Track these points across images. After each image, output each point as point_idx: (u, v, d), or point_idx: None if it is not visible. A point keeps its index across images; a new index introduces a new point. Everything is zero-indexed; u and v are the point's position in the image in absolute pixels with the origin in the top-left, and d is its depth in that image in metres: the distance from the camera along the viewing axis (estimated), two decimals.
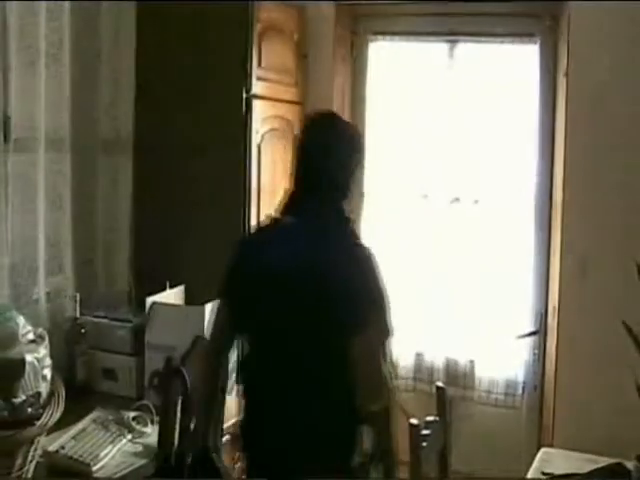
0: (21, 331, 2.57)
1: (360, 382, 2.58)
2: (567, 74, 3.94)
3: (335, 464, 2.64)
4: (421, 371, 4.43)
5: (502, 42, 4.33)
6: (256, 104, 3.93)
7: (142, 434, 3.16)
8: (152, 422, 3.20)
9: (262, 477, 2.72)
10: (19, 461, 2.49)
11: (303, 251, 2.65)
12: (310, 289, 2.63)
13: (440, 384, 3.10)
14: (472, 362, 4.30)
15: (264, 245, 2.78)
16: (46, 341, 2.65)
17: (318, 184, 2.74)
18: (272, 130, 4.09)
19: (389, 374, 2.67)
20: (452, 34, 4.37)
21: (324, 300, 2.60)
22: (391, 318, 2.72)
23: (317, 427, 2.64)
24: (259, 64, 3.94)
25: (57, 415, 2.57)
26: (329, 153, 2.75)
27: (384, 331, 2.69)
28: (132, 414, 3.25)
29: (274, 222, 2.82)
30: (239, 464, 3.52)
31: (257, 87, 3.93)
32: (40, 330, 2.66)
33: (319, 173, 2.75)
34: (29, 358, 2.51)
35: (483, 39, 4.36)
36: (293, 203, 2.79)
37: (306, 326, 2.62)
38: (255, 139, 3.94)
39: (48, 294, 3.64)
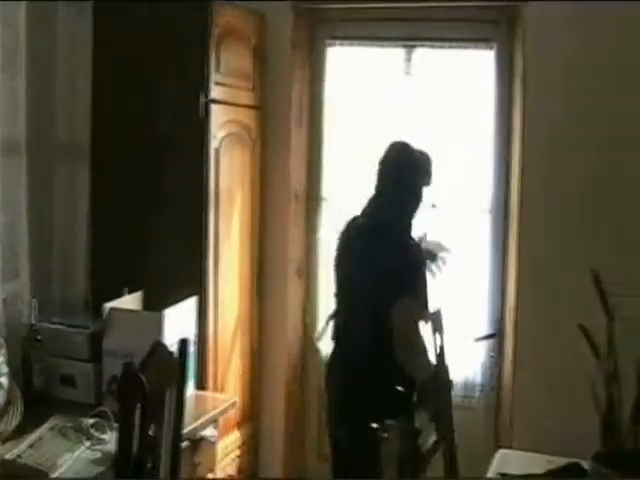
0: None
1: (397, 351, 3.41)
2: (523, 79, 3.98)
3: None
4: None
5: (459, 47, 4.36)
6: (214, 108, 3.92)
7: (101, 441, 3.12)
8: (111, 429, 3.17)
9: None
10: None
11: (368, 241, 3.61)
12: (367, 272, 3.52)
13: (399, 387, 3.13)
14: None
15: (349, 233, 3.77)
16: (3, 349, 2.62)
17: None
18: (230, 134, 4.08)
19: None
20: (410, 39, 4.40)
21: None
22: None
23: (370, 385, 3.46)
24: (217, 69, 3.93)
25: (14, 423, 2.56)
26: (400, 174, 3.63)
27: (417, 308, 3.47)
28: (90, 421, 3.22)
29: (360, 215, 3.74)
30: (198, 470, 3.53)
31: (215, 91, 3.92)
32: None
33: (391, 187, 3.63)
34: None
35: (440, 44, 4.38)
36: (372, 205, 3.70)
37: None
38: (213, 143, 3.93)
39: (4, 300, 3.59)
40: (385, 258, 3.50)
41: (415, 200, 3.67)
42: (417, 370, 3.36)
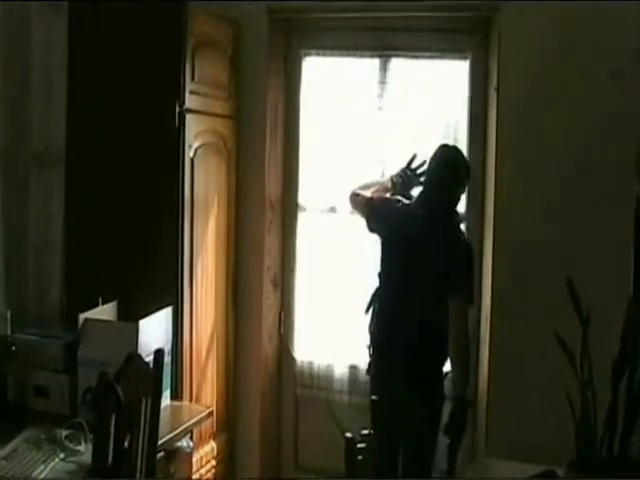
0: None
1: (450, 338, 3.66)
2: (497, 89, 4.00)
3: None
4: (356, 384, 4.44)
5: (434, 57, 4.38)
6: (189, 118, 3.91)
7: (75, 452, 3.10)
8: (85, 440, 3.15)
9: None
10: None
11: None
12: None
13: (375, 397, 3.13)
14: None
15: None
16: None
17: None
18: (206, 144, 4.08)
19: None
20: (385, 49, 4.41)
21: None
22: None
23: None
24: (192, 78, 3.92)
25: None
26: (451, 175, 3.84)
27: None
28: (65, 432, 3.19)
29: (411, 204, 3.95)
30: (173, 479, 3.51)
31: (190, 101, 3.91)
32: None
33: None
34: None
35: (415, 54, 4.40)
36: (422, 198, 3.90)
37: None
38: (188, 153, 3.92)
39: None
40: (448, 245, 3.76)
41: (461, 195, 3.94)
42: (463, 379, 3.68)
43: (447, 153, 3.89)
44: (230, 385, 4.41)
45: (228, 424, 4.42)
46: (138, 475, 2.98)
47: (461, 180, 3.86)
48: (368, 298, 3.96)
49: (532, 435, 3.69)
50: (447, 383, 3.80)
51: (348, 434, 2.64)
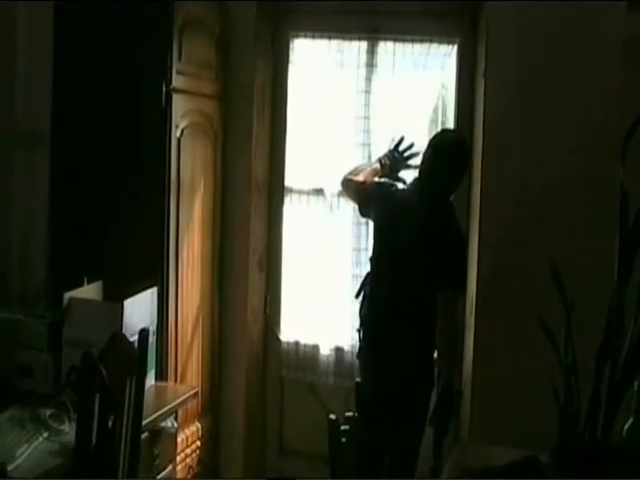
0: None
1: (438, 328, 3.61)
2: (485, 75, 4.00)
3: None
4: (341, 366, 4.46)
5: (422, 41, 4.37)
6: (176, 98, 3.89)
7: (59, 432, 3.08)
8: (69, 420, 3.13)
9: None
10: None
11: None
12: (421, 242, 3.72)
13: (359, 380, 3.15)
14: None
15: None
16: None
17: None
18: (192, 124, 4.06)
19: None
20: (373, 32, 4.40)
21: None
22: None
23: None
24: (179, 58, 3.90)
25: None
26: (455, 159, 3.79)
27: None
28: (49, 412, 3.18)
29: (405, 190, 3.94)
30: (157, 461, 3.52)
31: (177, 81, 3.89)
32: None
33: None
34: None
35: (403, 38, 4.39)
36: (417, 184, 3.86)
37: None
38: (175, 133, 3.90)
39: None
40: (442, 233, 3.72)
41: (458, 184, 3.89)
42: (451, 368, 3.68)
43: (445, 139, 3.85)
44: (215, 366, 4.41)
45: (213, 405, 4.42)
46: (122, 455, 2.98)
47: (457, 168, 3.80)
48: (359, 282, 3.96)
49: (515, 421, 3.71)
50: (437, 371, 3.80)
51: (332, 416, 2.65)
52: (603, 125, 3.70)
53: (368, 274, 3.93)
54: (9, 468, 2.77)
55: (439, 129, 4.28)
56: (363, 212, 4.02)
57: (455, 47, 4.32)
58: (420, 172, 3.86)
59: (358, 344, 3.94)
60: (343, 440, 2.62)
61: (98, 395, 2.84)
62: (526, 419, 3.64)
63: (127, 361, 3.02)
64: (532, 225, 3.89)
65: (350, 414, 2.73)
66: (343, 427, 2.64)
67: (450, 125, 4.32)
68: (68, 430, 3.09)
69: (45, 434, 3.06)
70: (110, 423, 2.90)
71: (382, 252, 3.88)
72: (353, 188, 4.03)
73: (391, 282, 3.80)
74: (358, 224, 4.36)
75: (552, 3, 3.80)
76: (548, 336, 2.63)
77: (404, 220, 3.78)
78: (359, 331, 3.91)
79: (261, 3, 4.37)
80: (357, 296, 3.94)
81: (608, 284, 2.58)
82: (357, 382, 3.17)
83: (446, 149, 3.77)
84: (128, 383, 3.00)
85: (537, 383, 3.03)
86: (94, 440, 2.84)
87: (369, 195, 3.95)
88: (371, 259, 3.93)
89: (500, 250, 3.94)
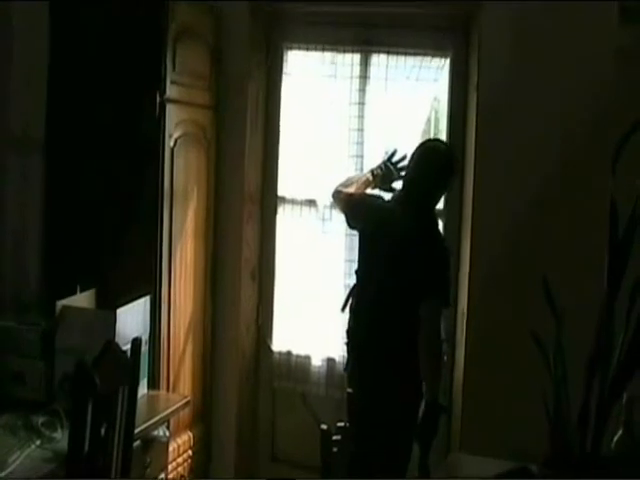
0: None
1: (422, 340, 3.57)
2: (477, 87, 4.03)
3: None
4: (333, 377, 4.47)
5: (415, 54, 4.39)
6: (170, 108, 3.91)
7: (51, 440, 3.10)
8: (62, 427, 3.15)
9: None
10: None
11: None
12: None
13: (350, 390, 3.16)
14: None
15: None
16: None
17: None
18: (186, 134, 4.08)
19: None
20: (366, 45, 4.42)
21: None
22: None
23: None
24: (174, 68, 3.92)
25: None
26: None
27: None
28: (41, 419, 3.20)
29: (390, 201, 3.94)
30: (149, 470, 3.52)
31: (171, 91, 3.91)
32: None
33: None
34: None
35: (396, 50, 4.40)
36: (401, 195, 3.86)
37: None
38: (169, 143, 3.93)
39: None
40: (425, 244, 3.70)
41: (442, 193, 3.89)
42: (435, 382, 3.62)
43: (429, 149, 3.84)
44: (207, 375, 4.42)
45: (204, 414, 4.43)
46: (114, 463, 2.99)
47: (442, 178, 3.80)
48: (345, 295, 3.97)
49: (506, 432, 3.72)
50: None
51: (324, 426, 2.66)
52: (595, 137, 3.73)
53: (354, 287, 3.93)
54: (1, 475, 2.79)
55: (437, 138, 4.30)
56: (350, 224, 4.04)
57: (448, 60, 4.33)
58: (404, 183, 3.87)
59: (345, 357, 3.96)
60: (335, 450, 2.63)
61: (91, 403, 2.85)
62: (516, 430, 3.65)
63: (120, 370, 3.03)
64: (524, 235, 3.91)
65: (342, 424, 2.74)
66: (335, 437, 2.65)
67: (443, 137, 4.32)
68: (60, 438, 3.11)
69: (37, 441, 3.08)
70: (102, 431, 2.91)
71: (367, 264, 3.88)
72: (342, 200, 4.04)
73: (375, 294, 3.78)
74: (350, 235, 4.36)
75: (544, 16, 3.83)
76: (538, 347, 2.65)
77: (387, 231, 3.76)
78: (347, 344, 3.92)
79: (255, 14, 4.39)
80: (343, 309, 3.95)
81: (598, 295, 2.60)
82: (348, 392, 3.18)
83: (429, 159, 3.78)
84: (121, 391, 3.02)
85: (527, 394, 3.05)
86: (87, 448, 2.86)
87: (355, 207, 3.96)
88: (356, 271, 3.93)
89: (492, 263, 3.95)
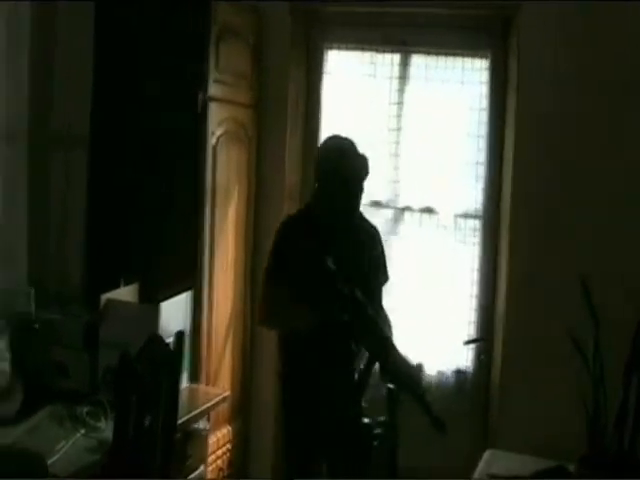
0: None
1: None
2: (517, 89, 4.04)
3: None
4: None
5: (454, 55, 4.40)
6: (212, 106, 3.96)
7: (96, 429, 3.18)
8: (106, 417, 3.23)
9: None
10: None
11: None
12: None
13: (390, 385, 3.19)
14: (420, 365, 4.35)
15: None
16: (4, 334, 2.65)
17: None
18: (227, 132, 4.13)
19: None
20: (405, 45, 4.43)
21: None
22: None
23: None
24: (216, 67, 3.97)
25: (14, 408, 2.58)
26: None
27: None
28: (85, 409, 3.27)
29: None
30: (189, 462, 3.57)
31: (213, 89, 3.96)
32: None
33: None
34: None
35: (435, 51, 4.42)
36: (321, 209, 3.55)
37: None
38: (211, 140, 3.98)
39: (1, 289, 3.63)
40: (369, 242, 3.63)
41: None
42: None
43: (332, 158, 3.52)
44: (246, 369, 4.47)
45: (243, 408, 4.48)
46: (157, 455, 3.04)
47: (354, 186, 3.49)
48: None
49: (543, 430, 3.73)
50: None
51: (365, 420, 2.70)
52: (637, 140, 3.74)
53: None
54: (49, 462, 2.85)
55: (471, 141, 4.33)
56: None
57: (487, 61, 4.34)
58: (319, 195, 3.57)
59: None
60: (375, 443, 2.67)
61: (135, 395, 2.91)
62: (554, 429, 3.67)
63: (163, 363, 3.08)
64: (562, 235, 3.92)
65: (382, 419, 2.78)
66: (376, 431, 2.69)
67: (481, 139, 4.35)
68: (104, 427, 3.18)
69: (82, 431, 3.14)
70: (146, 422, 2.97)
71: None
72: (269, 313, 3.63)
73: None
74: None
75: (585, 15, 3.83)
76: (577, 347, 2.68)
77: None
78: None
79: (296, 14, 4.43)
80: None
81: (636, 295, 2.63)
82: (389, 388, 3.20)
83: (334, 171, 3.48)
84: (163, 384, 3.07)
85: (565, 393, 3.07)
86: (130, 439, 2.91)
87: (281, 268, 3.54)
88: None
89: (530, 262, 3.97)
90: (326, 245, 3.40)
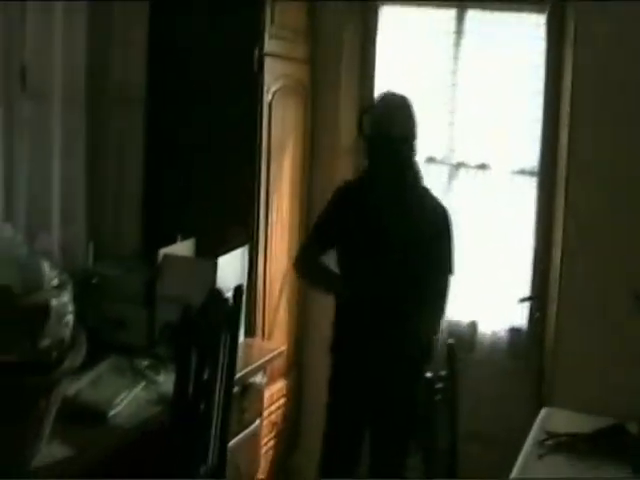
0: (46, 276, 2.59)
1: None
2: (575, 42, 3.97)
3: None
4: None
5: (511, 9, 4.35)
6: (268, 62, 3.95)
7: (155, 382, 3.22)
8: (165, 371, 3.27)
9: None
10: (43, 404, 2.53)
11: None
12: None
13: (451, 341, 3.19)
14: (474, 323, 4.37)
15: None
16: (69, 287, 2.66)
17: None
18: (283, 87, 4.12)
19: None
20: (461, 0, 4.39)
21: None
22: None
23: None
24: (272, 22, 3.95)
25: (79, 360, 2.60)
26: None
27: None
28: (145, 362, 3.31)
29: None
30: (245, 415, 3.61)
31: (269, 45, 3.95)
32: (64, 276, 2.68)
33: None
34: (54, 303, 2.52)
35: (492, 5, 4.37)
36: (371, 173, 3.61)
37: None
38: (266, 96, 3.97)
39: (61, 244, 3.67)
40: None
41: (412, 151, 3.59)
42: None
43: (379, 118, 3.56)
44: (301, 324, 4.51)
45: (297, 363, 4.52)
46: (215, 408, 3.08)
47: (402, 144, 3.50)
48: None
49: (603, 389, 3.69)
50: None
51: (428, 374, 2.70)
52: None
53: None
54: (110, 414, 2.89)
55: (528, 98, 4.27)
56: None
57: (544, 15, 4.28)
58: (369, 156, 3.62)
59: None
60: (437, 397, 2.67)
61: (195, 349, 2.93)
62: (614, 387, 3.64)
63: (223, 317, 3.10)
64: (621, 192, 3.85)
65: (443, 373, 2.78)
66: (438, 385, 2.69)
67: (538, 95, 4.28)
68: (163, 381, 3.21)
69: (142, 383, 3.18)
70: (205, 376, 2.99)
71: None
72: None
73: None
74: None
75: None
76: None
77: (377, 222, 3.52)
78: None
79: None
80: None
81: None
82: (449, 344, 3.19)
83: (380, 132, 3.52)
84: (223, 338, 3.09)
85: (626, 352, 3.06)
86: (190, 392, 2.94)
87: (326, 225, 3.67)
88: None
89: (586, 216, 3.91)
90: (371, 218, 3.46)
